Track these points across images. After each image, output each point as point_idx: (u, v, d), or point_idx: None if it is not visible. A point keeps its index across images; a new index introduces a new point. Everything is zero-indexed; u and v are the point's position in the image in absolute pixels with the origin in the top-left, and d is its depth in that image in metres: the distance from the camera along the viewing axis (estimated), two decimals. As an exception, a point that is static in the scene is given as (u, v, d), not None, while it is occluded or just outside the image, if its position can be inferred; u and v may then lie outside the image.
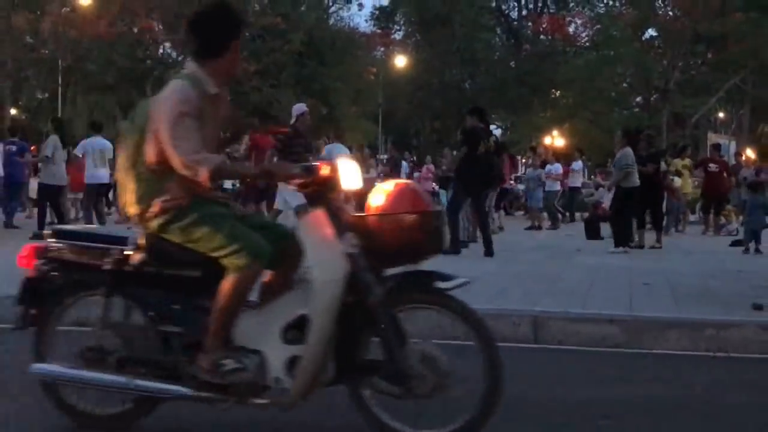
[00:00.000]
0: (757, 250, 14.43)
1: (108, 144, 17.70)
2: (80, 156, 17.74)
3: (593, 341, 6.76)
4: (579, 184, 27.82)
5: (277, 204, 13.30)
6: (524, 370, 6.00)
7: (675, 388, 5.47)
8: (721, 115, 58.50)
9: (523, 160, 33.32)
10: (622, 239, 15.20)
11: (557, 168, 25.58)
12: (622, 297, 8.17)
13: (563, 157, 32.12)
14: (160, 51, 49.38)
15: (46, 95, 48.16)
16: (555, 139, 53.97)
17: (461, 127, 18.26)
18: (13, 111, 48.17)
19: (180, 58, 50.18)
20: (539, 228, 22.42)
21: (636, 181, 15.30)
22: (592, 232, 18.69)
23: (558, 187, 25.35)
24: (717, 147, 23.64)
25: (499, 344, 4.03)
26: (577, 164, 27.74)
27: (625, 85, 54.45)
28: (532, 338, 6.86)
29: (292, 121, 13.83)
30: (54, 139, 17.00)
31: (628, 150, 15.24)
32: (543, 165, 25.39)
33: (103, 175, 17.58)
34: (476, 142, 12.64)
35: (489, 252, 12.41)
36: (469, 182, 12.69)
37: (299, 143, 13.20)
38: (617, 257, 13.97)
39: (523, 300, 7.74)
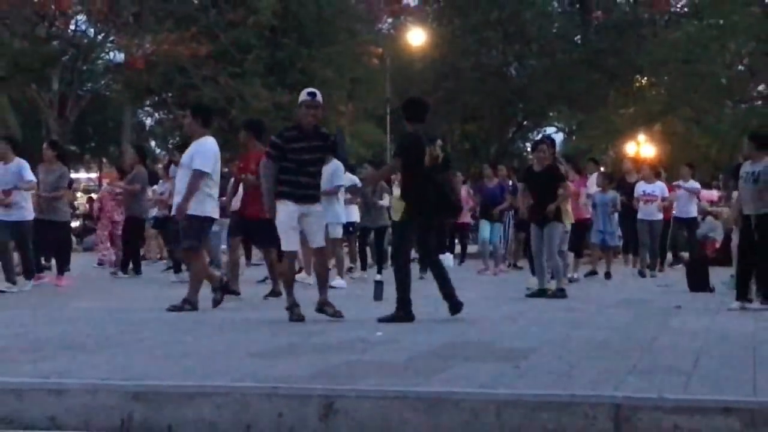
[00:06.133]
0: None
1: None
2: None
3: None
4: (694, 214, 24.76)
5: None
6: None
7: None
8: None
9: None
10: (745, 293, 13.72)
11: (659, 188, 22.13)
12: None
13: (656, 174, 26.81)
14: (72, 27, 42.68)
15: None
16: (641, 146, 46.90)
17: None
18: None
19: (101, 38, 43.09)
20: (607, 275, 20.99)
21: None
22: (698, 280, 16.04)
23: (658, 216, 22.39)
24: None
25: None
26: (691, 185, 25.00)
27: (741, 67, 46.79)
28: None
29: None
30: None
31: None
32: (619, 184, 23.01)
33: None
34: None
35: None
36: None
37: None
38: (736, 319, 12.22)
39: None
